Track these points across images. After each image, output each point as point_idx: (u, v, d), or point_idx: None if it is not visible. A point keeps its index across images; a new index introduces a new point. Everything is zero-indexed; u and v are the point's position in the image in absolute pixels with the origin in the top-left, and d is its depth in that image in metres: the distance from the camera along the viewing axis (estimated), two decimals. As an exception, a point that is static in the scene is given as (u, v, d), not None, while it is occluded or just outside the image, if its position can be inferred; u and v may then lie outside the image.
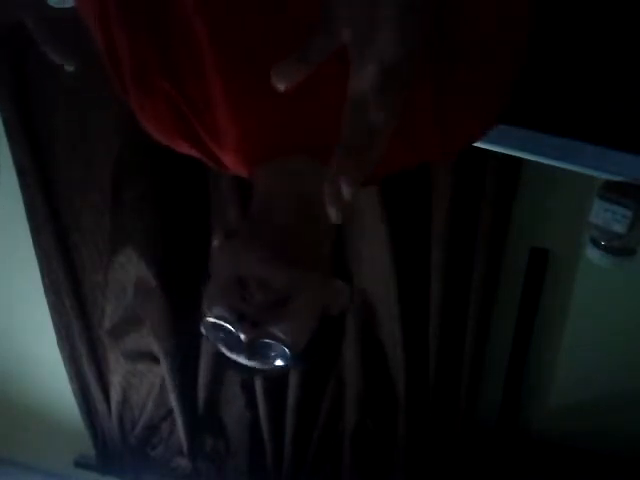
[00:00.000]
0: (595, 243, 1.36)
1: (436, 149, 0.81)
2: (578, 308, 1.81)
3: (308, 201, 0.79)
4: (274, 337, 0.77)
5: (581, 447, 1.95)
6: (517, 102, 0.81)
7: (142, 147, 1.69)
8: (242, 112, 0.79)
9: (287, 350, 0.78)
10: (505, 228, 1.66)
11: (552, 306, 1.82)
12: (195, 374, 2.14)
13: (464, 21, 0.71)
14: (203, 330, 0.80)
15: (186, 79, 0.79)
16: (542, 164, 1.18)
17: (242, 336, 0.77)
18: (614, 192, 1.28)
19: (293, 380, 2.01)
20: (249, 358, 0.80)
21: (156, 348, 2.08)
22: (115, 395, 2.26)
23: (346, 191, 0.54)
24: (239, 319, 0.76)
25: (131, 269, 1.95)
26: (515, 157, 1.22)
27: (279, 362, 0.80)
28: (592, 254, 1.37)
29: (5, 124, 1.78)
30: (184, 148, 0.87)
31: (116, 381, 2.22)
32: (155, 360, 2.14)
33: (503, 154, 1.24)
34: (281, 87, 0.55)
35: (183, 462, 2.34)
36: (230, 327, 0.77)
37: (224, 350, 0.82)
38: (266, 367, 0.82)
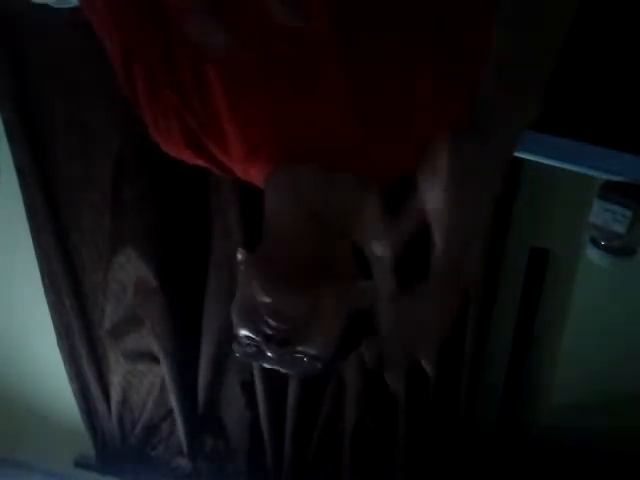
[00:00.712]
0: (595, 243, 1.36)
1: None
2: (578, 308, 1.81)
3: (318, 211, 0.79)
4: (302, 353, 0.78)
5: (581, 446, 1.95)
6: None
7: (142, 147, 1.69)
8: (247, 124, 0.79)
9: (317, 360, 0.79)
10: (505, 228, 1.66)
11: (552, 306, 1.82)
12: (195, 374, 2.14)
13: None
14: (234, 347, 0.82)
15: (191, 93, 0.79)
16: (542, 164, 1.18)
17: (270, 354, 0.78)
18: (614, 192, 1.28)
19: (293, 380, 2.01)
20: (280, 368, 0.82)
21: (156, 348, 2.08)
22: (115, 395, 2.25)
23: None
24: (266, 340, 0.77)
25: (131, 269, 1.95)
26: (515, 157, 1.22)
27: (311, 366, 0.81)
28: (592, 254, 1.37)
29: (5, 124, 1.78)
30: (195, 160, 0.87)
31: (116, 381, 2.22)
32: (155, 360, 2.13)
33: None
34: None
35: (183, 462, 2.34)
36: (258, 346, 0.78)
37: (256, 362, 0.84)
38: (298, 373, 0.85)
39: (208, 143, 0.83)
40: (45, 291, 2.10)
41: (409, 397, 1.95)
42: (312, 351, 0.78)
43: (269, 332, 0.76)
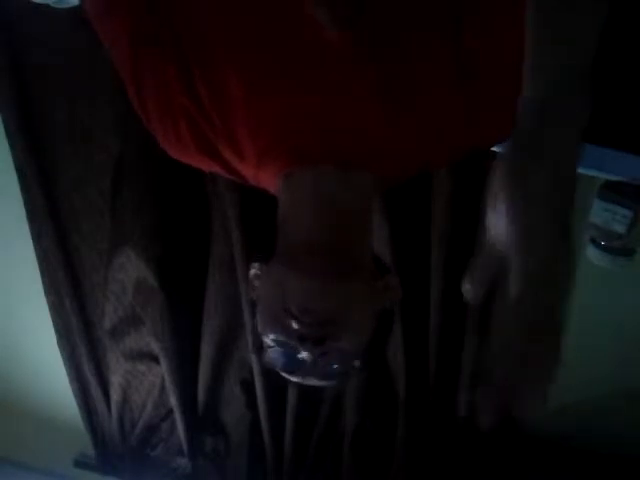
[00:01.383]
0: (595, 243, 1.36)
1: (464, 148, 0.82)
2: (578, 308, 1.81)
3: (338, 209, 0.79)
4: (338, 349, 0.78)
5: (581, 447, 1.95)
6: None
7: (142, 147, 1.69)
8: (261, 125, 0.80)
9: (354, 359, 0.79)
10: (505, 228, 1.66)
11: (552, 306, 1.81)
12: (195, 374, 2.14)
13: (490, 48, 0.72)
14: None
15: (205, 97, 0.80)
16: (542, 164, 1.18)
17: (306, 355, 0.77)
18: (614, 192, 1.28)
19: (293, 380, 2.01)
20: (312, 377, 0.81)
21: (156, 348, 2.08)
22: (115, 395, 2.25)
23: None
24: (300, 340, 0.76)
25: (131, 269, 1.95)
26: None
27: (345, 367, 0.81)
28: (592, 254, 1.37)
29: (5, 124, 1.78)
30: (206, 165, 0.87)
31: (116, 381, 2.22)
32: (155, 360, 2.13)
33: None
34: None
35: (183, 462, 2.34)
36: (292, 348, 0.77)
37: (284, 374, 0.83)
38: (330, 381, 0.83)
39: (221, 148, 0.83)
40: (45, 291, 2.10)
41: (409, 397, 1.95)
42: (347, 346, 0.78)
43: (303, 331, 0.76)
